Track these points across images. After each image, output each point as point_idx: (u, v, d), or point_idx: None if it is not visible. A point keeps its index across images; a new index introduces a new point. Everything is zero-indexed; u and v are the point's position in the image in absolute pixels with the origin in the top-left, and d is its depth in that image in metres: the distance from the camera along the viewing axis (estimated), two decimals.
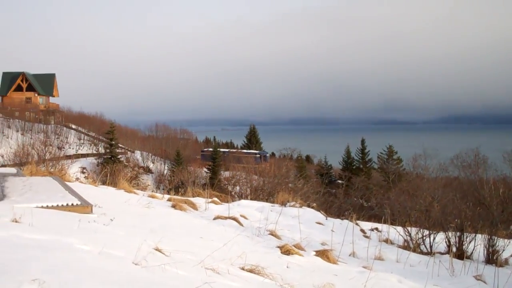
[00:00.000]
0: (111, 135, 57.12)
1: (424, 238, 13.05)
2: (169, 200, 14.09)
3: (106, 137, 60.03)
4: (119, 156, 59.26)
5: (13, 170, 15.49)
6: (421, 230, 13.18)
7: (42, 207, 8.38)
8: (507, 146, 34.70)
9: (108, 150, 58.09)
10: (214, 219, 12.02)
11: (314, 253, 9.62)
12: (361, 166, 68.69)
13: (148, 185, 51.12)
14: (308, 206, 17.52)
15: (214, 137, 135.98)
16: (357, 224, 16.14)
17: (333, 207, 24.00)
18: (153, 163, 72.50)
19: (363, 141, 70.02)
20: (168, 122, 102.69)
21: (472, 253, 12.59)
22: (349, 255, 10.68)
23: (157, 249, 6.07)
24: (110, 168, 19.18)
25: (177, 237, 8.32)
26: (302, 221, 13.17)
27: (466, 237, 12.69)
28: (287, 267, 7.93)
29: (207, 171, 58.38)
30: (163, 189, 40.88)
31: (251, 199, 21.20)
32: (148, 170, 67.26)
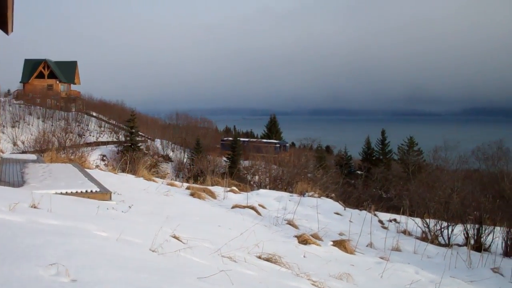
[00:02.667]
0: (132, 123, 57.47)
1: (442, 230, 13.00)
2: (188, 188, 14.19)
3: (127, 125, 60.38)
4: (139, 144, 59.62)
5: (33, 156, 15.71)
6: (440, 222, 13.12)
7: (61, 193, 8.50)
8: None
9: (128, 138, 58.46)
10: (232, 207, 12.08)
11: (332, 243, 9.64)
12: (381, 157, 68.37)
13: (168, 173, 51.36)
14: (327, 196, 17.52)
15: (234, 126, 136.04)
16: (375, 215, 16.11)
17: (351, 198, 23.92)
18: (172, 151, 72.85)
19: (383, 132, 69.60)
20: (188, 110, 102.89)
21: (490, 245, 12.51)
22: (367, 246, 10.67)
23: (174, 237, 6.13)
24: (129, 156, 19.33)
25: (195, 225, 8.39)
26: (320, 211, 13.19)
27: (485, 230, 12.62)
28: (304, 256, 7.95)
29: (226, 160, 58.49)
30: (182, 177, 41.13)
31: (269, 188, 21.24)
32: (167, 158, 67.57)
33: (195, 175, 26.01)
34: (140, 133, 67.42)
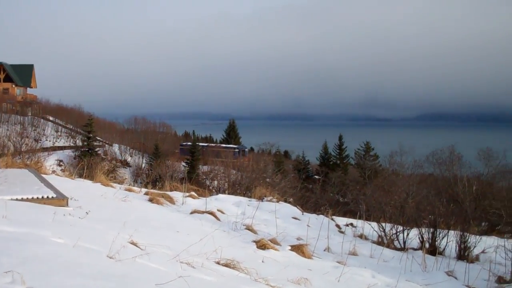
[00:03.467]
0: (89, 128, 56.62)
1: (398, 234, 13.25)
2: (146, 194, 14.07)
3: (84, 129, 59.43)
4: (96, 149, 58.76)
5: None
6: (395, 226, 13.38)
7: (16, 199, 8.33)
8: (482, 144, 35.23)
9: (85, 143, 57.56)
10: (191, 213, 12.04)
11: (290, 247, 9.71)
12: (338, 162, 69.13)
13: (126, 178, 50.76)
14: (285, 201, 17.63)
15: (194, 131, 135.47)
16: (332, 219, 16.29)
17: (309, 202, 24.14)
18: (131, 156, 72.00)
19: (340, 137, 70.41)
20: (147, 115, 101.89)
21: (444, 249, 12.84)
22: (324, 250, 10.79)
23: (132, 243, 6.09)
24: (87, 161, 19.05)
25: (153, 231, 8.34)
26: (279, 216, 13.26)
27: (439, 233, 12.93)
28: (263, 261, 8.00)
29: (185, 165, 58.18)
30: (140, 182, 40.71)
31: (228, 193, 21.25)
32: (126, 164, 66.76)
33: (153, 180, 25.82)
34: (98, 138, 66.40)
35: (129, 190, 14.58)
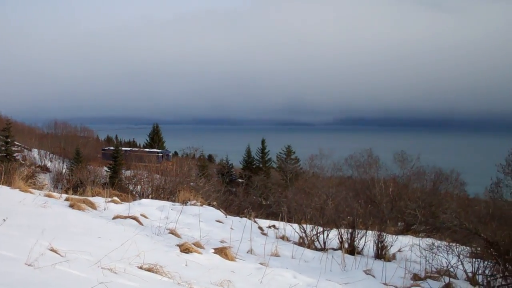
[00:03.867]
0: (7, 133, 54.42)
1: (318, 235, 13.61)
2: (66, 199, 13.75)
3: (1, 134, 57.12)
4: (15, 155, 56.46)
5: None
6: (316, 227, 13.74)
7: None
8: (398, 147, 36.63)
9: (3, 148, 55.29)
10: (114, 218, 11.88)
11: (213, 250, 9.78)
12: (261, 165, 69.84)
13: (46, 184, 49.06)
14: (209, 204, 17.67)
15: (116, 135, 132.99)
16: (255, 221, 16.49)
17: (233, 206, 24.30)
18: (51, 161, 69.75)
19: (263, 141, 71.16)
20: (68, 119, 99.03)
21: (362, 248, 13.32)
22: (247, 252, 10.94)
23: (52, 250, 6.00)
24: (4, 167, 18.37)
25: (74, 237, 8.20)
26: (202, 219, 13.31)
27: (358, 234, 13.39)
28: (186, 265, 8.04)
29: (107, 170, 56.94)
30: (61, 188, 39.57)
31: (152, 198, 21.04)
32: (45, 169, 64.54)
33: (74, 186, 25.18)
34: (16, 143, 63.89)
35: (49, 196, 14.20)
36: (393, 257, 13.47)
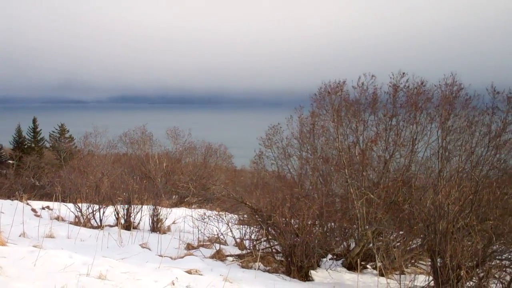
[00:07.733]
0: None
1: (94, 212, 13.54)
2: None
3: None
4: None
5: None
6: (92, 205, 13.64)
7: None
8: (170, 123, 37.46)
9: None
10: None
11: None
12: (33, 145, 66.20)
13: None
14: None
15: None
16: (28, 204, 15.78)
17: (3, 188, 22.71)
18: None
19: (35, 120, 67.29)
20: None
21: (139, 223, 13.63)
22: (19, 236, 10.48)
23: None
24: None
25: None
26: None
27: (134, 209, 13.63)
28: None
29: None
30: None
31: None
32: None
33: None
34: None
35: None
36: (168, 229, 14.00)
